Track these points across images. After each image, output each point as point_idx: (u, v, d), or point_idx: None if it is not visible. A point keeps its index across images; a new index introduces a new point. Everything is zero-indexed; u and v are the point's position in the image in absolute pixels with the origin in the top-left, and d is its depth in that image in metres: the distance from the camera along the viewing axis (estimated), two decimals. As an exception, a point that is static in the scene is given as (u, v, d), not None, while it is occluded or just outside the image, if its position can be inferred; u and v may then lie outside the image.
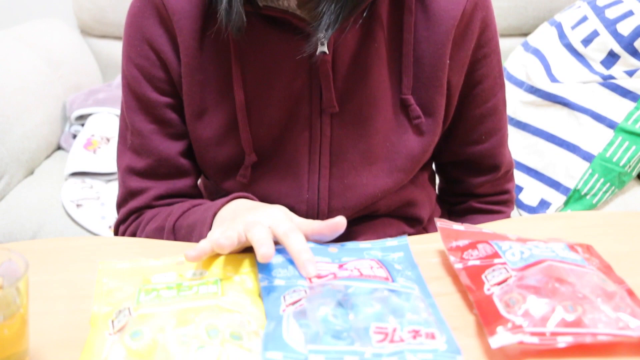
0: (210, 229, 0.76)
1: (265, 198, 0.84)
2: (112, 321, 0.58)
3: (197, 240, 0.72)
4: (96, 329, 0.58)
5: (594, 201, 1.52)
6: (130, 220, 0.90)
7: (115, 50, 2.07)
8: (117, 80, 1.97)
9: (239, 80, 0.81)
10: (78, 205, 1.53)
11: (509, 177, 0.99)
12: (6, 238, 1.50)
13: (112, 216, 1.52)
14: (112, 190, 1.59)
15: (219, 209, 0.78)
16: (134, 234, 0.89)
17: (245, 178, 0.85)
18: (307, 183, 0.85)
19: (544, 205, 1.55)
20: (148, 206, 0.88)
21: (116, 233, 0.93)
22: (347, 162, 0.85)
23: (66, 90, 1.86)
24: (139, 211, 0.89)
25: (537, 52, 1.68)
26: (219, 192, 0.90)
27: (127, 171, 0.88)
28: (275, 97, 0.82)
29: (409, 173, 0.87)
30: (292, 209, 0.76)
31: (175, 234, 0.83)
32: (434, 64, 0.82)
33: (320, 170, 0.85)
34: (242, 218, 0.70)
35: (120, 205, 0.91)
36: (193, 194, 0.90)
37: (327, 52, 0.77)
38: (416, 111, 0.84)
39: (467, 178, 0.97)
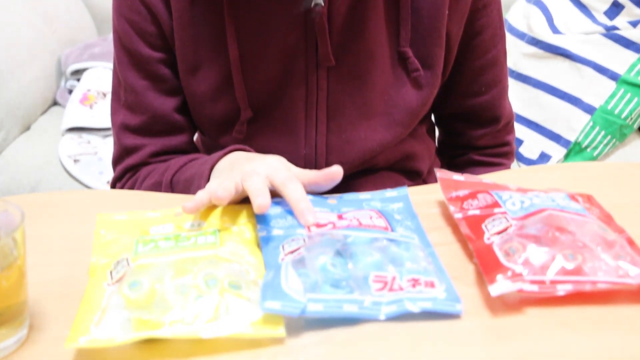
0: (208, 181, 0.76)
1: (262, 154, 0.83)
2: (111, 272, 0.58)
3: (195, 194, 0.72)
4: (95, 279, 0.58)
5: (595, 154, 1.52)
6: (127, 178, 0.89)
7: (110, 3, 2.03)
8: (113, 34, 1.94)
9: (232, 35, 0.79)
10: (75, 161, 1.53)
11: (509, 129, 0.99)
12: (4, 194, 1.50)
13: (110, 171, 1.51)
14: (109, 146, 1.57)
15: (216, 161, 0.77)
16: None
17: (241, 134, 0.85)
18: (304, 139, 0.84)
19: (544, 158, 1.54)
20: (144, 163, 0.88)
21: (113, 189, 0.92)
22: (345, 116, 0.84)
23: (61, 44, 1.84)
24: (134, 168, 0.89)
25: (539, 3, 1.65)
26: (216, 148, 0.89)
27: (121, 128, 0.87)
28: (270, 51, 0.80)
29: (408, 127, 0.86)
30: None
31: (172, 188, 0.82)
32: (432, 15, 0.80)
33: (317, 125, 0.84)
34: (240, 168, 0.69)
35: (116, 162, 0.91)
36: (189, 150, 0.89)
37: (322, 3, 0.75)
38: (414, 64, 0.82)
39: (467, 130, 0.97)
